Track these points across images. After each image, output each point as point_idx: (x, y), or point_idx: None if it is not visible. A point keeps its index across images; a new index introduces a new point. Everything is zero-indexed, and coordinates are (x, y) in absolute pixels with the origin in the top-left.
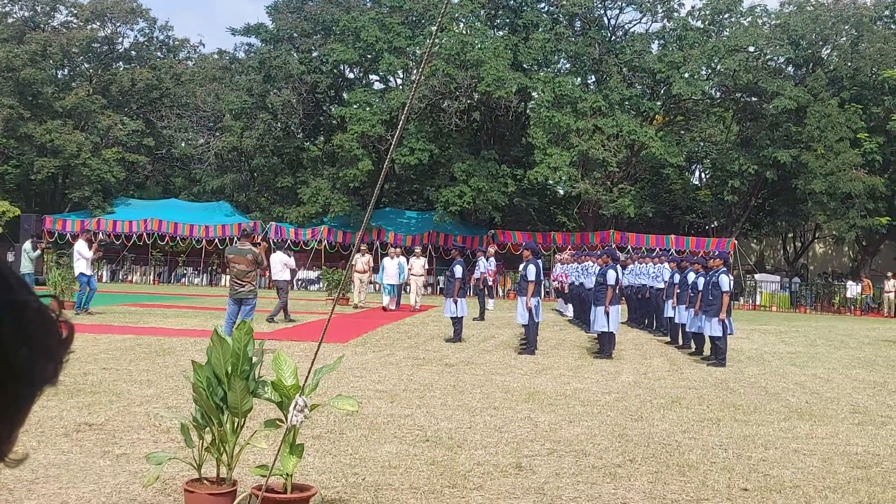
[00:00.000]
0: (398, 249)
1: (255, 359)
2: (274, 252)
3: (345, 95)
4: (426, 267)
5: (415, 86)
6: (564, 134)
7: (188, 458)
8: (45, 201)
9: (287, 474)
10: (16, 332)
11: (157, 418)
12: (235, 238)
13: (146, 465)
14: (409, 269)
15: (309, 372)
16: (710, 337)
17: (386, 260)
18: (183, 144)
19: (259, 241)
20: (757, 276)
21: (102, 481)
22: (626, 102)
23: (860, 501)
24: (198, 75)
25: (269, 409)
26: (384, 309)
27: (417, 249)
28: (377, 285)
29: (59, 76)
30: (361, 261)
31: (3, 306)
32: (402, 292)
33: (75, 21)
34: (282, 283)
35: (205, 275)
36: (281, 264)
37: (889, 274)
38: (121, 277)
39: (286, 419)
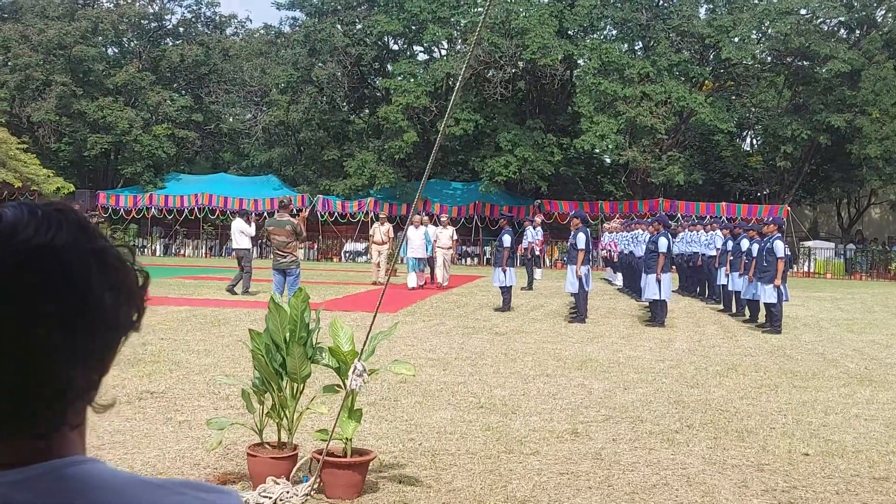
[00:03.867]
0: (424, 217)
1: (312, 325)
2: (234, 219)
3: (389, 67)
4: (455, 238)
5: (466, 61)
6: (611, 101)
7: (249, 423)
8: (98, 177)
9: (347, 438)
10: (101, 278)
11: (216, 386)
12: (275, 211)
13: (208, 431)
14: (435, 241)
15: (367, 337)
16: (765, 304)
17: (410, 229)
18: (231, 119)
19: (296, 211)
20: (810, 243)
21: (166, 447)
22: (675, 68)
23: None
24: (244, 50)
25: (326, 377)
26: (410, 288)
27: (444, 218)
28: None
29: (110, 53)
30: (380, 231)
31: (88, 253)
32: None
33: None
34: (241, 251)
35: (255, 248)
36: (238, 232)
37: None
38: (173, 251)
39: (345, 385)
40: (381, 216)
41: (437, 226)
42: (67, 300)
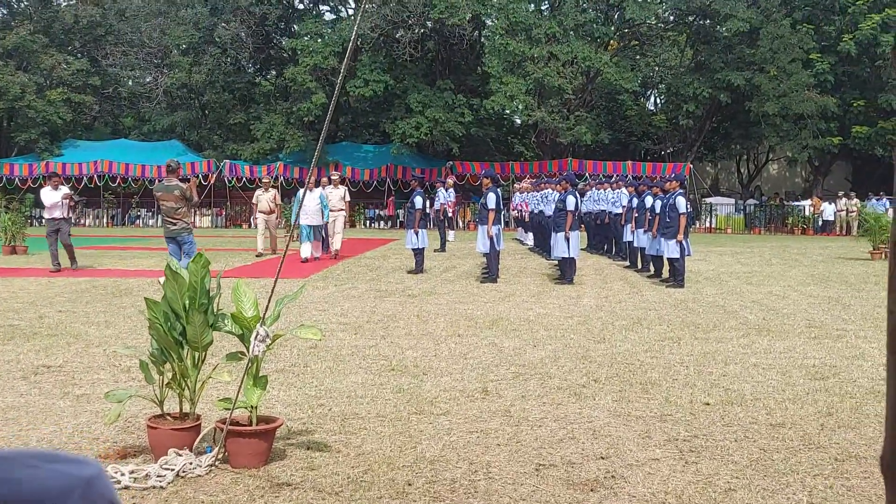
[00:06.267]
0: (323, 179)
1: (212, 292)
2: (43, 186)
3: (295, 27)
4: (346, 199)
5: (356, 25)
6: (519, 62)
7: (149, 395)
8: None
9: (252, 406)
10: None
11: (116, 358)
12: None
13: (107, 405)
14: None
15: (269, 301)
16: (668, 259)
17: (303, 194)
18: (130, 83)
19: (201, 176)
20: (712, 200)
21: (63, 422)
22: (581, 29)
23: (819, 411)
24: (142, 10)
25: (230, 344)
26: (303, 260)
27: (335, 176)
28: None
29: None
30: (265, 198)
31: None
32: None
33: None
34: (53, 222)
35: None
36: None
37: (840, 193)
38: (73, 221)
39: (248, 351)
40: (264, 181)
41: (329, 185)
42: None
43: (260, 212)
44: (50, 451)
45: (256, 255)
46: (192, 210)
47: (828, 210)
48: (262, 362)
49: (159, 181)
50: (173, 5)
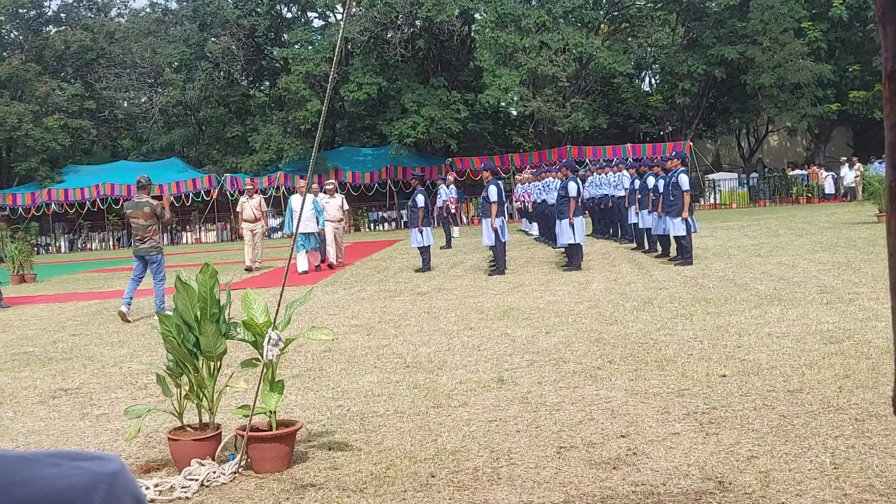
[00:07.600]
0: (314, 185)
1: (223, 301)
2: None
3: (285, 36)
4: (345, 208)
5: (343, 23)
6: (511, 53)
7: (168, 408)
8: None
9: (270, 411)
10: None
11: (133, 375)
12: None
13: (127, 422)
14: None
15: (278, 305)
16: (674, 237)
17: (294, 199)
18: (125, 104)
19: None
20: (714, 176)
21: (85, 442)
22: (570, 15)
23: (836, 374)
24: (132, 31)
25: (244, 352)
26: (301, 272)
27: (330, 185)
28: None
29: None
30: (249, 205)
31: None
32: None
33: None
34: None
35: (165, 234)
36: None
37: (843, 159)
38: (79, 246)
39: (262, 356)
40: (247, 188)
41: (324, 194)
42: None
43: (244, 220)
44: (71, 449)
45: (246, 270)
46: (166, 228)
47: (848, 176)
48: (276, 367)
49: (126, 200)
50: (162, 24)
